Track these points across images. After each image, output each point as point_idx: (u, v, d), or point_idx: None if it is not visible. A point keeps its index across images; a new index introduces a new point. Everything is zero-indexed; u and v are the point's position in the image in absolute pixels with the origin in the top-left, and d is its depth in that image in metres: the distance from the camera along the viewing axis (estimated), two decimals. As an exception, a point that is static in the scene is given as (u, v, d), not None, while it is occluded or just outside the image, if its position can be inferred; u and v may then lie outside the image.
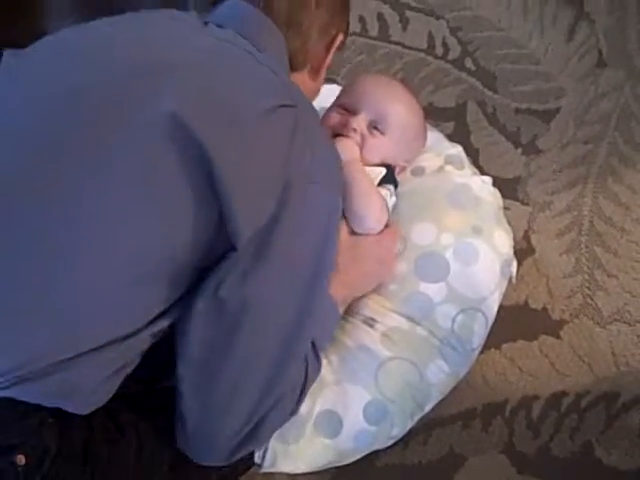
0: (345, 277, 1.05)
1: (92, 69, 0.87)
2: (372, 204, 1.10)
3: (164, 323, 0.85)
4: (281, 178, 0.83)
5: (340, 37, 1.07)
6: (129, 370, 0.88)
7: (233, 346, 0.85)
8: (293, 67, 0.99)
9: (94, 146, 0.81)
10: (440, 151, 1.30)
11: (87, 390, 0.83)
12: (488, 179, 1.29)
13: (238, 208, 0.80)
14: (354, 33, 1.64)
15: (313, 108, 0.95)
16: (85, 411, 0.84)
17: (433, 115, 1.47)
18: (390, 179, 1.17)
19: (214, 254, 0.84)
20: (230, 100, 0.84)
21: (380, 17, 1.67)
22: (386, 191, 1.15)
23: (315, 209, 0.88)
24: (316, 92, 1.11)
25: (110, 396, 0.87)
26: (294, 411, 0.98)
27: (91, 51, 0.90)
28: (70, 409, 0.83)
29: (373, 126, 1.16)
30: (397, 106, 1.18)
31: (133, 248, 0.80)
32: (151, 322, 0.84)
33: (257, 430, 0.89)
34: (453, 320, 1.14)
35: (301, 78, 1.02)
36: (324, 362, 1.12)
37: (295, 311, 0.87)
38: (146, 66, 0.85)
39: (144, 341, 0.85)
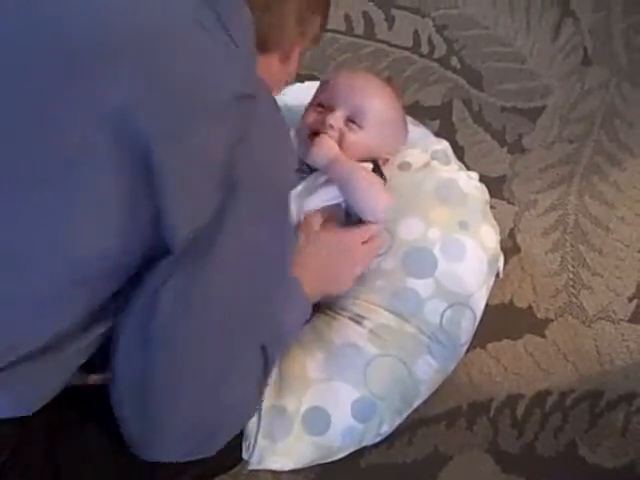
0: (313, 273, 1.06)
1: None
2: (378, 192, 1.12)
3: (109, 323, 0.80)
4: (228, 174, 0.75)
5: (317, 25, 0.99)
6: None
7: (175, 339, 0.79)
8: (263, 48, 0.90)
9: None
10: (426, 147, 1.30)
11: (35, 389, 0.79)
12: (474, 174, 1.29)
13: (175, 206, 0.73)
14: (339, 31, 1.63)
15: (270, 97, 0.86)
16: (30, 410, 0.80)
17: (419, 113, 1.47)
18: (378, 174, 1.17)
19: (154, 254, 0.77)
20: (187, 84, 0.75)
21: (365, 15, 1.66)
22: None
23: (266, 202, 0.81)
24: (282, 79, 1.02)
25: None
26: (252, 408, 0.94)
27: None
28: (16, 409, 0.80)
29: (351, 121, 1.16)
30: (373, 99, 1.18)
31: (68, 251, 0.74)
32: (96, 321, 0.79)
33: (213, 425, 0.85)
34: (441, 315, 1.14)
35: (269, 61, 0.94)
36: (311, 359, 1.12)
37: (251, 301, 0.82)
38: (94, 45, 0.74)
39: (93, 342, 0.80)
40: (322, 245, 1.11)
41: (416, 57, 1.60)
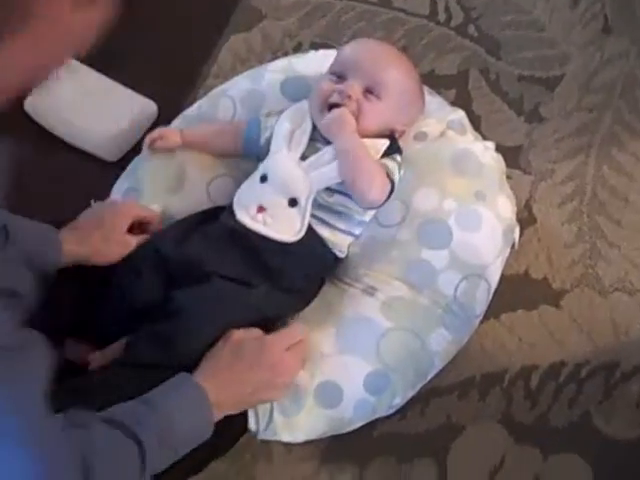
0: (220, 378, 1.00)
1: None
2: (373, 178, 1.09)
3: None
4: None
5: None
6: None
7: None
8: None
9: None
10: (442, 116, 1.28)
11: None
12: (491, 144, 1.28)
13: None
14: (355, -1, 1.61)
15: None
16: None
17: (435, 82, 1.44)
18: (394, 149, 1.15)
19: None
20: None
21: (382, -18, 1.63)
22: (393, 163, 1.12)
23: None
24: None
25: None
26: None
27: None
28: None
29: (368, 92, 1.14)
30: (391, 68, 1.16)
31: None
32: None
33: None
34: (456, 287, 1.13)
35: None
36: (322, 334, 1.12)
37: None
38: None
39: None
40: (241, 353, 1.03)
41: (433, 25, 1.58)
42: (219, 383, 0.99)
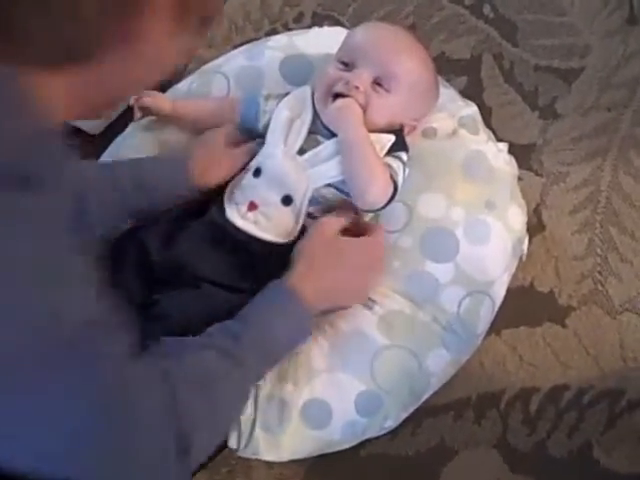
0: (320, 283, 0.96)
1: None
2: (375, 178, 0.99)
3: None
4: None
5: None
6: None
7: None
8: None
9: None
10: (454, 111, 1.17)
11: None
12: (504, 146, 1.18)
13: None
14: (363, -33, 1.48)
15: None
16: None
17: (444, 68, 1.33)
18: (400, 146, 1.05)
19: None
20: None
21: (393, -49, 1.51)
22: (398, 163, 1.02)
23: None
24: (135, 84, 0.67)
25: None
26: None
27: None
28: None
29: (377, 83, 1.04)
30: (404, 60, 1.05)
31: None
32: None
33: None
34: (459, 304, 1.05)
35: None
36: (316, 347, 1.04)
37: None
38: None
39: None
40: (344, 257, 0.99)
41: (445, 2, 1.45)
42: (316, 288, 0.95)
